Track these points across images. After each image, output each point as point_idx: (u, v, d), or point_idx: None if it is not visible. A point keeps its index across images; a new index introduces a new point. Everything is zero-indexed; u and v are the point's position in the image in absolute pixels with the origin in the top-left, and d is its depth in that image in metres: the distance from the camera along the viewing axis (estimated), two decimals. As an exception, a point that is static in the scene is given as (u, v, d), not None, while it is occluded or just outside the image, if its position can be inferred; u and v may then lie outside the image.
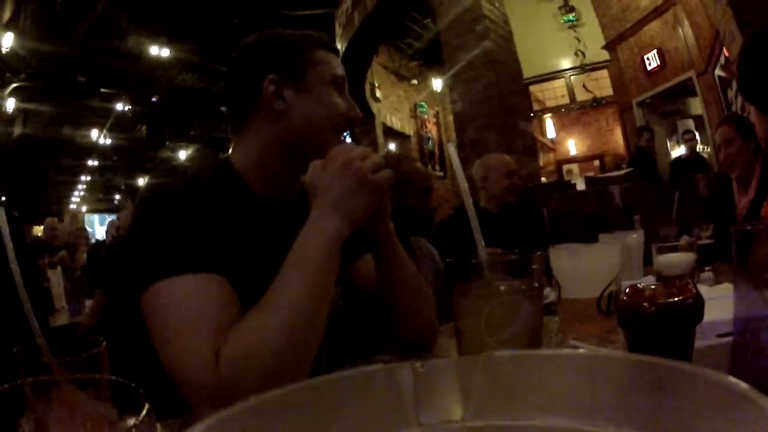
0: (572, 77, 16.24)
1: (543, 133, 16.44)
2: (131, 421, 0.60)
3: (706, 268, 2.67)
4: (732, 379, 0.30)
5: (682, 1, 10.45)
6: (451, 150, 1.49)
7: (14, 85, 14.33)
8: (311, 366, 1.37)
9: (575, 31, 15.14)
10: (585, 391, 0.36)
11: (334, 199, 1.45)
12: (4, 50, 12.03)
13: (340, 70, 1.79)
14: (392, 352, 1.88)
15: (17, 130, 17.45)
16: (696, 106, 11.99)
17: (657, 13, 11.42)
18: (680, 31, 10.84)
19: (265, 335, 1.29)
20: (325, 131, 1.69)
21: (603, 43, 13.57)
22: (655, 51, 11.83)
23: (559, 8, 15.12)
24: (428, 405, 0.38)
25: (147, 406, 0.57)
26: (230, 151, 1.81)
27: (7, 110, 14.94)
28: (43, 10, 12.33)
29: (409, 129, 16.68)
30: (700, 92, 10.94)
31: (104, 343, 0.92)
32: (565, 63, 16.05)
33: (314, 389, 0.37)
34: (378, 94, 14.49)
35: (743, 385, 0.29)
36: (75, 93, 16.50)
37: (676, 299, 1.04)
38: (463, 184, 1.43)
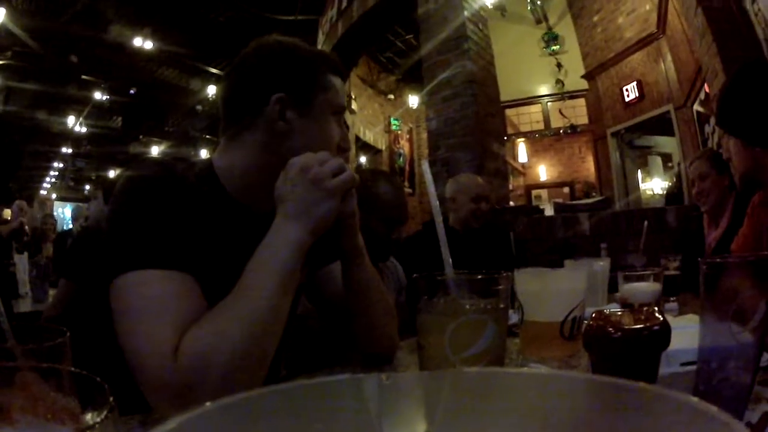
0: (549, 103, 16.34)
1: (515, 156, 16.55)
2: (93, 415, 0.59)
3: (672, 299, 2.71)
4: (701, 401, 0.30)
5: (666, 35, 10.53)
6: (425, 167, 1.49)
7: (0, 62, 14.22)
8: (268, 371, 1.38)
9: (556, 58, 15.21)
10: (552, 411, 0.36)
11: (293, 206, 1.46)
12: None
13: (343, 100, 1.81)
14: (351, 364, 1.89)
15: (-1, 108, 17.30)
16: (667, 144, 12.09)
17: (641, 44, 11.50)
18: (662, 64, 10.92)
19: (223, 335, 1.30)
20: None
21: (583, 71, 13.63)
22: (635, 83, 11.92)
23: (543, 35, 15.20)
24: (392, 417, 0.38)
25: (111, 400, 0.56)
26: (215, 153, 1.79)
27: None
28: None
29: (382, 143, 16.70)
30: (677, 126, 11.03)
31: (68, 334, 0.91)
32: (543, 89, 16.17)
33: (280, 395, 0.36)
34: (354, 105, 14.48)
35: (712, 407, 0.29)
36: (57, 76, 16.35)
37: (643, 325, 1.06)
38: (435, 202, 1.43)
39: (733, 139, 2.51)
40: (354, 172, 1.57)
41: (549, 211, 8.92)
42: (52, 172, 26.95)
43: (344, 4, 11.57)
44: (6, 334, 0.90)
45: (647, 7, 10.95)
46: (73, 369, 0.65)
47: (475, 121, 7.87)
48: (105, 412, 0.55)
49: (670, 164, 12.65)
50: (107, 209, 1.56)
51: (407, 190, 16.96)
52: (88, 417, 0.60)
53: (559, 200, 13.44)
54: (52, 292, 5.14)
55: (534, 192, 16.94)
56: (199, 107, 19.12)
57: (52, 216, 10.20)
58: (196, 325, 1.31)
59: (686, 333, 1.15)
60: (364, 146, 15.45)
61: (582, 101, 15.18)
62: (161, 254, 1.38)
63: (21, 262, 5.60)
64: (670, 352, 1.12)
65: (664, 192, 11.70)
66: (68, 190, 29.11)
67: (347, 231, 1.70)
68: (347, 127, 1.94)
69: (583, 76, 13.72)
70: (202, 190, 1.61)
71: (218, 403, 0.33)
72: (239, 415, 0.35)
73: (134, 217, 1.45)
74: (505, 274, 1.22)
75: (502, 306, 1.19)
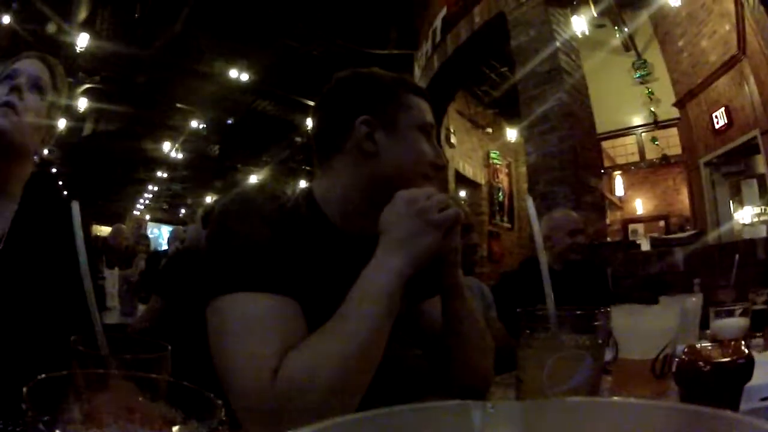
0: (643, 134, 16.00)
1: (612, 190, 16.26)
2: (199, 427, 0.61)
3: (757, 334, 2.63)
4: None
5: (747, 56, 10.14)
6: (529, 204, 1.48)
7: (87, 85, 14.54)
8: (360, 400, 1.37)
9: (647, 87, 14.91)
10: None
11: (397, 238, 1.46)
12: (78, 50, 12.22)
13: (429, 117, 1.80)
14: (445, 397, 1.89)
15: (87, 128, 17.68)
16: (761, 165, 11.53)
17: (725, 68, 10.96)
18: (746, 87, 10.48)
19: (322, 362, 1.29)
20: (411, 177, 1.68)
21: (673, 99, 13.22)
22: (722, 109, 11.38)
23: (633, 63, 14.92)
24: None
25: (223, 414, 0.59)
26: (314, 181, 1.82)
27: (79, 109, 15.12)
28: (120, 16, 12.56)
29: (481, 178, 16.45)
30: (764, 152, 10.58)
31: (169, 348, 0.94)
32: (637, 119, 15.82)
33: (392, 416, 0.37)
34: (453, 140, 14.38)
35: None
36: (150, 103, 16.73)
37: (729, 358, 1.08)
38: (539, 240, 1.41)
39: None
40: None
41: (645, 246, 8.75)
42: (146, 194, 27.51)
43: (438, 38, 11.62)
44: (100, 342, 0.93)
45: (727, 28, 10.44)
46: (179, 382, 0.68)
47: (572, 155, 7.80)
48: (216, 424, 0.58)
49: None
50: (210, 230, 1.59)
51: (506, 225, 16.82)
52: (191, 428, 0.62)
53: (655, 234, 13.17)
54: (140, 307, 5.29)
55: (631, 226, 16.61)
56: (297, 139, 19.28)
57: (146, 237, 10.45)
58: (297, 349, 1.32)
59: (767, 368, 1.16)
60: (463, 180, 15.25)
61: (675, 131, 14.76)
62: (266, 277, 1.40)
63: (110, 276, 5.78)
64: (750, 388, 1.13)
65: (758, 219, 11.13)
66: (162, 212, 29.75)
67: (449, 267, 1.70)
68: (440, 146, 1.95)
69: (674, 104, 13.27)
70: (303, 216, 1.64)
71: (321, 425, 0.35)
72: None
73: (240, 239, 1.47)
74: (603, 310, 1.23)
75: (599, 342, 1.20)
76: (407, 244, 1.46)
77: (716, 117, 11.55)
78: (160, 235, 25.67)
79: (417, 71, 12.84)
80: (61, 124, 2.14)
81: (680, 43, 12.04)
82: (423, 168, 1.73)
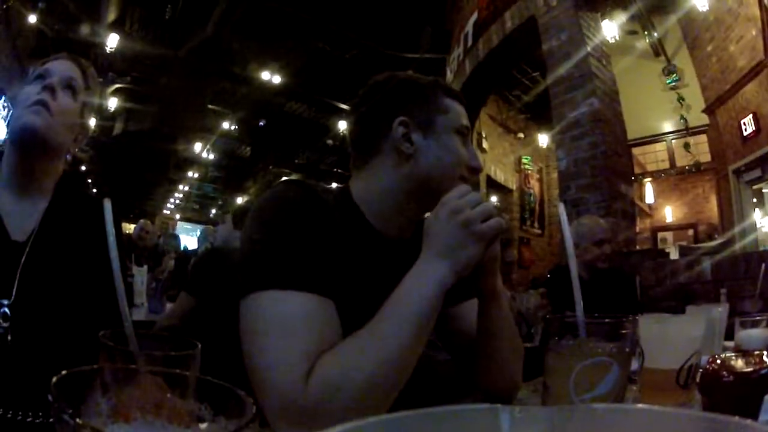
0: (673, 141, 15.87)
1: (642, 197, 16.12)
2: (228, 424, 0.61)
3: None
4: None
5: None
6: (561, 210, 1.46)
7: (118, 85, 14.68)
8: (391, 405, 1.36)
9: (678, 93, 14.78)
10: None
11: (441, 246, 1.45)
12: (108, 50, 12.33)
13: (466, 120, 1.80)
14: (471, 401, 1.88)
15: (118, 128, 17.84)
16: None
17: (752, 74, 10.72)
18: None
19: (357, 366, 1.28)
20: (448, 179, 1.68)
21: (703, 105, 13.04)
22: (751, 115, 11.16)
23: (663, 68, 14.80)
24: None
25: (254, 411, 0.59)
26: (350, 181, 1.81)
27: (109, 108, 15.26)
28: (150, 17, 12.67)
29: (512, 183, 16.47)
30: None
31: (199, 346, 0.94)
32: (667, 126, 15.67)
33: (422, 418, 0.37)
34: (484, 144, 14.39)
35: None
36: (181, 103, 16.86)
37: (752, 369, 1.08)
38: (569, 245, 1.41)
39: None
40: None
41: (674, 255, 8.69)
42: (177, 194, 27.71)
43: (470, 42, 11.64)
44: (129, 339, 0.94)
45: (753, 33, 10.28)
46: (209, 378, 0.66)
47: (604, 161, 7.79)
48: (245, 422, 0.58)
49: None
50: (247, 225, 1.56)
51: (536, 230, 16.80)
52: (220, 425, 0.63)
53: (684, 243, 13.06)
54: (168, 305, 5.33)
55: (660, 234, 16.48)
56: (329, 141, 19.36)
57: (176, 236, 10.50)
58: (332, 351, 1.31)
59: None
60: (494, 186, 15.27)
61: (705, 137, 14.60)
62: (302, 275, 1.38)
63: (139, 274, 5.85)
64: (768, 399, 1.12)
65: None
66: (192, 212, 29.93)
67: (488, 273, 1.69)
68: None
69: (704, 110, 13.09)
70: (341, 215, 1.63)
71: (352, 425, 0.35)
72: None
73: (277, 235, 1.46)
74: (631, 319, 1.23)
75: (627, 350, 1.20)
76: (450, 254, 1.45)
77: (744, 124, 11.38)
78: (194, 234, 25.72)
79: (449, 75, 12.85)
80: (92, 123, 2.16)
81: (709, 48, 11.87)
82: (459, 170, 1.73)
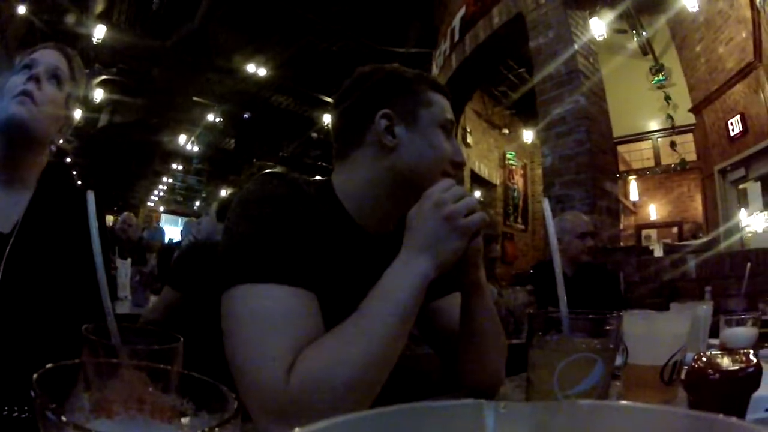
0: (659, 139, 15.94)
1: (626, 195, 16.20)
2: (210, 419, 0.61)
3: (766, 344, 2.62)
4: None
5: (764, 64, 10.03)
6: (545, 206, 1.46)
7: (104, 77, 14.63)
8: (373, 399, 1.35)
9: (665, 92, 14.83)
10: None
11: (424, 240, 1.45)
12: (95, 41, 12.31)
13: (450, 115, 1.79)
14: (453, 396, 1.88)
15: (103, 120, 17.79)
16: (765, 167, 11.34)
17: (741, 75, 10.83)
18: (762, 95, 10.36)
19: (339, 360, 1.28)
20: (431, 173, 1.67)
21: (690, 104, 13.10)
22: (738, 116, 11.23)
23: (651, 67, 14.85)
24: None
25: (236, 406, 0.58)
26: (332, 174, 1.81)
27: (95, 100, 15.22)
28: (137, 9, 12.63)
29: (496, 178, 16.55)
30: None
31: (182, 340, 0.94)
32: (654, 124, 15.74)
33: (405, 414, 0.37)
34: (469, 139, 14.44)
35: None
36: (166, 95, 16.82)
37: (738, 367, 1.08)
38: (553, 241, 1.40)
39: None
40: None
41: (658, 252, 8.73)
42: (161, 186, 27.67)
43: (456, 37, 11.63)
44: (112, 333, 0.93)
45: (743, 35, 10.30)
46: (191, 373, 0.66)
47: (589, 158, 7.80)
48: (227, 417, 0.57)
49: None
50: (228, 218, 1.54)
51: (520, 226, 16.87)
52: (202, 420, 0.63)
53: (668, 241, 13.11)
54: (152, 298, 5.31)
55: (644, 232, 16.55)
56: (314, 134, 19.35)
57: (159, 229, 10.49)
58: (314, 345, 1.31)
59: (774, 379, 1.16)
60: (478, 181, 15.34)
61: (691, 136, 14.68)
62: (283, 268, 1.38)
63: (123, 267, 5.82)
64: (757, 398, 1.13)
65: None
66: (176, 204, 29.87)
67: (471, 266, 1.69)
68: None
69: (690, 110, 13.15)
70: (323, 208, 1.62)
71: (334, 421, 0.34)
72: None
73: (258, 228, 1.45)
74: (615, 315, 1.23)
75: (611, 346, 1.20)
76: (433, 247, 1.45)
77: (731, 124, 11.45)
78: (175, 225, 25.59)
79: (435, 70, 12.84)
80: (78, 114, 2.16)
81: (697, 49, 11.95)
82: (442, 164, 1.73)
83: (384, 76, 1.80)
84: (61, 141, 2.09)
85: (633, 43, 14.02)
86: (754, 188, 11.54)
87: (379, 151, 1.70)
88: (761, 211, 10.85)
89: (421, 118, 1.73)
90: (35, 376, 0.55)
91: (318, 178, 1.85)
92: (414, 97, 1.75)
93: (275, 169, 22.55)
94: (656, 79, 14.75)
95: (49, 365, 0.59)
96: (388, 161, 1.70)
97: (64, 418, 0.50)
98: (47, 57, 1.99)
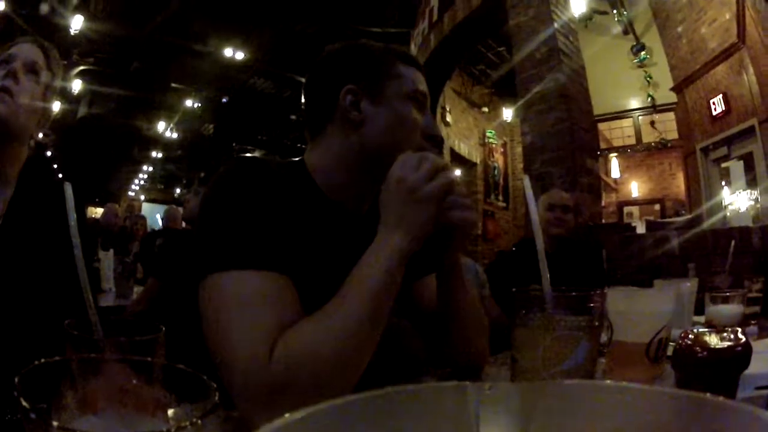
0: (640, 117, 16.00)
1: (608, 172, 16.26)
2: (192, 410, 0.61)
3: (752, 322, 2.63)
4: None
5: (747, 45, 10.10)
6: (526, 183, 1.47)
7: (82, 67, 14.54)
8: (358, 380, 1.36)
9: (646, 71, 14.88)
10: (645, 424, 0.37)
11: (393, 217, 1.46)
12: (72, 32, 12.23)
13: (422, 86, 1.78)
14: (439, 375, 1.89)
15: (82, 111, 17.69)
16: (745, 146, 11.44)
17: (724, 56, 11.00)
18: (745, 76, 10.43)
19: (320, 342, 1.28)
20: (401, 147, 1.64)
21: (672, 84, 13.16)
22: (720, 96, 11.34)
23: (632, 47, 14.88)
24: (490, 426, 0.38)
25: (216, 398, 0.58)
26: (305, 152, 1.82)
27: (73, 91, 15.14)
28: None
29: (476, 157, 16.57)
30: (761, 142, 10.53)
31: (163, 330, 0.94)
32: (634, 102, 15.77)
33: (389, 397, 0.37)
34: (448, 118, 14.46)
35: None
36: (145, 83, 16.72)
37: (727, 345, 1.08)
38: (534, 218, 1.43)
39: None
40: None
41: (641, 229, 8.76)
42: (141, 175, 27.57)
43: (435, 16, 11.59)
44: (94, 326, 0.93)
45: (727, 16, 10.35)
46: (172, 364, 0.65)
47: (569, 136, 7.78)
48: (209, 407, 0.57)
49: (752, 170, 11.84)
50: (201, 207, 1.55)
51: (501, 204, 16.91)
52: (185, 411, 0.62)
53: (651, 218, 13.17)
54: (137, 289, 5.29)
55: (626, 209, 16.63)
56: (292, 116, 19.29)
57: (142, 217, 10.44)
58: (294, 328, 1.30)
59: (763, 357, 1.16)
60: (458, 159, 15.34)
61: (672, 115, 14.75)
62: (260, 254, 1.38)
63: (106, 258, 5.78)
64: (746, 376, 1.13)
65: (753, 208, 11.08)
66: (158, 192, 29.76)
67: (456, 243, 1.71)
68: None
69: (672, 89, 13.20)
70: (297, 188, 1.63)
71: (319, 407, 0.34)
72: (343, 419, 0.36)
73: (232, 215, 1.45)
74: (599, 292, 1.23)
75: (596, 323, 1.20)
76: (402, 223, 1.45)
77: (714, 103, 11.53)
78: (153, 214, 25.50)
79: (413, 49, 12.74)
80: (56, 106, 2.15)
81: (679, 29, 12.01)
82: (413, 137, 1.73)
83: (350, 52, 1.81)
84: (40, 135, 2.09)
85: (614, 23, 14.04)
86: (736, 167, 11.58)
87: (348, 127, 1.71)
88: (744, 190, 10.90)
89: (388, 91, 1.72)
90: (17, 378, 0.54)
91: (295, 159, 1.84)
92: (380, 71, 1.74)
93: (255, 153, 22.55)
94: (637, 58, 14.78)
95: (31, 365, 0.58)
96: (356, 136, 1.70)
97: (50, 421, 0.50)
98: (25, 52, 1.99)
